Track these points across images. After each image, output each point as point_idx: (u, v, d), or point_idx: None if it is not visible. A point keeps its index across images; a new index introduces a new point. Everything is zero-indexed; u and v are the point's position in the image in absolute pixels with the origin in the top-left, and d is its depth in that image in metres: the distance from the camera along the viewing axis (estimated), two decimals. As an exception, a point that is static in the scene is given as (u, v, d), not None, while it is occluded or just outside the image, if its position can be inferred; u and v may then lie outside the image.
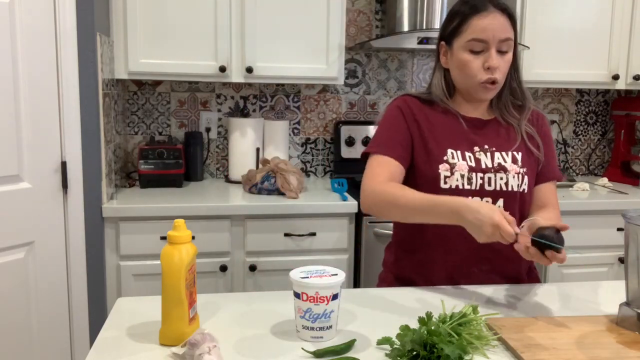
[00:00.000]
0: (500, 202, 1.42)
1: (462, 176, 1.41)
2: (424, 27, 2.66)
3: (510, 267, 1.47)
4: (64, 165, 2.06)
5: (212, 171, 2.95)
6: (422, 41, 2.53)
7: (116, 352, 1.03)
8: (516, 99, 1.51)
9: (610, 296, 1.35)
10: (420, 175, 1.45)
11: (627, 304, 1.15)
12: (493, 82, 1.41)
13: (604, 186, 2.93)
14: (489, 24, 1.38)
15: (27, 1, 1.90)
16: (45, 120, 1.99)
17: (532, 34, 2.73)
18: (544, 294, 1.38)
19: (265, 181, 2.48)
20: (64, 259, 2.10)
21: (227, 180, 2.83)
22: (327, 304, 1.06)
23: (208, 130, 2.89)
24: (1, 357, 1.92)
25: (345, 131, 2.92)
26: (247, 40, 2.51)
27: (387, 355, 1.01)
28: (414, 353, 0.96)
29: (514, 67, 1.48)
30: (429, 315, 1.02)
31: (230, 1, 2.48)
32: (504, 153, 1.45)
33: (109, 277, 2.27)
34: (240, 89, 2.91)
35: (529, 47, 2.69)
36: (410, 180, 1.46)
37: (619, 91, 3.25)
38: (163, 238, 2.24)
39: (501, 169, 1.43)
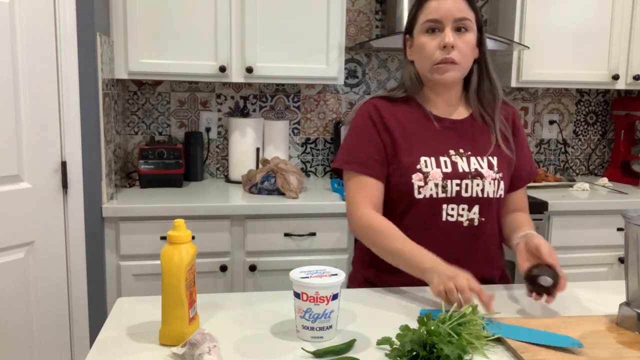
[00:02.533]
0: (476, 208, 1.40)
1: (437, 185, 1.37)
2: (424, 27, 2.66)
3: (486, 272, 1.43)
4: (64, 165, 2.06)
5: (212, 171, 2.95)
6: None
7: (116, 352, 1.03)
8: (486, 91, 1.46)
9: (610, 296, 1.35)
10: (393, 186, 1.41)
11: (627, 304, 1.15)
12: (451, 62, 1.36)
13: (604, 186, 2.93)
14: (443, 3, 1.37)
15: (27, 1, 1.90)
16: (45, 120, 1.99)
17: (532, 34, 2.73)
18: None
19: (265, 181, 2.48)
20: (64, 259, 2.10)
21: (227, 180, 2.83)
22: (327, 304, 1.06)
23: (208, 130, 2.89)
24: (1, 357, 1.92)
25: (345, 131, 2.91)
26: (247, 40, 2.51)
27: (387, 355, 1.01)
28: (414, 353, 0.96)
29: (483, 57, 1.44)
30: (428, 315, 1.02)
31: (230, 1, 2.49)
32: (479, 158, 1.42)
33: (109, 277, 2.27)
34: (240, 89, 2.91)
35: (529, 47, 2.69)
36: (385, 192, 1.43)
37: (619, 91, 3.25)
38: (163, 238, 2.24)
39: (478, 175, 1.40)
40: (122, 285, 2.28)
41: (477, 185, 1.39)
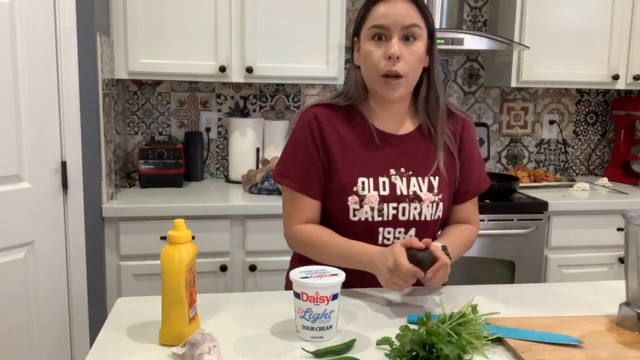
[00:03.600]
0: (412, 231, 1.35)
1: (372, 209, 1.32)
2: (424, 27, 2.66)
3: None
4: (64, 165, 2.06)
5: (212, 171, 2.95)
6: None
7: (116, 352, 1.03)
8: (434, 102, 1.36)
9: (610, 296, 1.35)
10: (330, 204, 1.36)
11: (627, 304, 1.15)
12: (396, 76, 1.27)
13: (604, 186, 2.93)
14: (391, 9, 1.27)
15: (27, 1, 1.90)
16: (45, 120, 1.99)
17: (532, 34, 2.73)
18: (544, 293, 1.38)
19: (265, 181, 2.48)
20: (64, 259, 2.10)
21: (227, 180, 2.83)
22: (327, 304, 1.06)
23: (208, 130, 2.89)
24: (1, 357, 1.92)
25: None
26: (247, 40, 2.51)
27: (386, 355, 1.01)
28: (414, 353, 0.96)
29: (432, 66, 1.34)
30: (428, 315, 1.02)
31: (230, 1, 2.48)
32: (420, 179, 1.35)
33: (109, 277, 2.27)
34: (240, 89, 2.91)
35: (529, 47, 2.69)
36: (322, 209, 1.39)
37: (619, 91, 3.25)
38: (163, 238, 2.24)
39: (416, 198, 1.34)
40: (122, 285, 2.28)
41: (415, 208, 1.34)
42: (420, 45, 1.30)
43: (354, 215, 1.33)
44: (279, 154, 2.75)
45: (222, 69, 2.50)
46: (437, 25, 2.65)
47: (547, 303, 1.31)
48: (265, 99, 2.93)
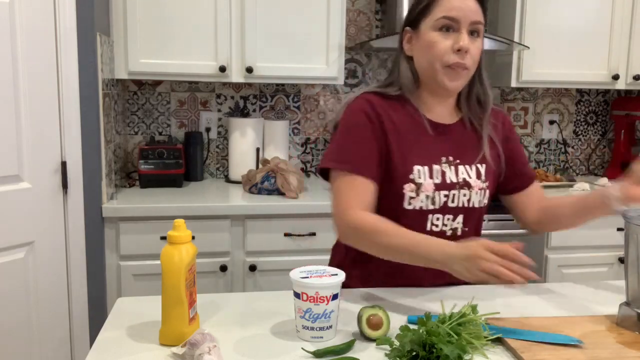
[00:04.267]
0: (460, 218, 1.36)
1: (427, 197, 1.32)
2: (424, 27, 2.66)
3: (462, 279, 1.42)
4: (64, 165, 2.06)
5: (212, 171, 2.95)
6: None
7: (116, 352, 1.03)
8: (478, 96, 1.40)
9: (610, 296, 1.35)
10: (382, 193, 1.33)
11: (627, 304, 1.15)
12: (463, 68, 1.29)
13: (604, 186, 2.92)
14: (462, 2, 1.28)
15: (27, 1, 1.90)
16: (45, 120, 1.99)
17: (532, 34, 2.73)
18: (544, 293, 1.38)
19: (265, 181, 2.48)
20: (64, 259, 2.10)
21: (227, 180, 2.83)
22: (327, 304, 1.06)
23: (208, 130, 2.89)
24: (1, 357, 1.92)
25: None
26: (247, 40, 2.51)
27: (386, 355, 1.01)
28: (414, 353, 0.96)
29: (481, 61, 1.37)
30: (428, 315, 1.02)
31: (230, 1, 2.49)
32: (467, 167, 1.37)
33: (109, 277, 2.27)
34: (240, 89, 2.91)
35: (529, 47, 2.69)
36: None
37: (619, 91, 3.25)
38: (163, 238, 2.24)
39: (465, 185, 1.35)
40: (122, 285, 2.28)
41: (464, 195, 1.35)
42: (481, 42, 1.33)
43: (409, 204, 1.32)
44: (279, 154, 2.77)
45: (222, 69, 2.50)
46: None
47: (547, 303, 1.31)
48: (265, 99, 2.93)
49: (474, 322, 1.04)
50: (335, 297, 1.07)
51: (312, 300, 1.05)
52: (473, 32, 1.30)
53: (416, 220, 1.33)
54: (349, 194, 1.30)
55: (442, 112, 1.40)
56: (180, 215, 2.20)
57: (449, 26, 1.28)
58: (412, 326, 1.03)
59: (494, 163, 1.41)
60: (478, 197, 1.37)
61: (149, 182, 2.58)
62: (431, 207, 1.33)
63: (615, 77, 2.82)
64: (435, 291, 1.36)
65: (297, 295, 1.07)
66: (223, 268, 2.33)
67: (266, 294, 1.36)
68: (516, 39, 2.74)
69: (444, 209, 1.35)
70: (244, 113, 2.91)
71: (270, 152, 2.77)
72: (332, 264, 1.52)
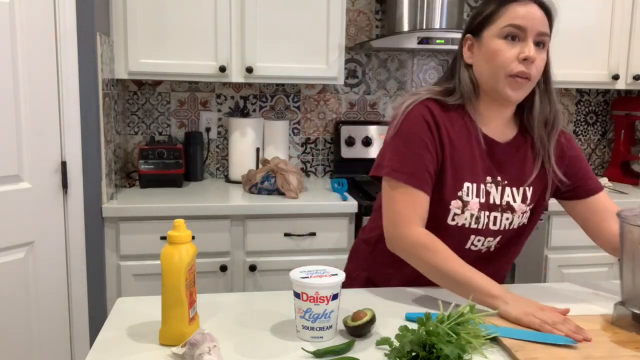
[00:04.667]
0: (499, 238, 1.35)
1: (472, 215, 1.30)
2: (424, 27, 2.66)
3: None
4: (64, 165, 2.06)
5: (212, 171, 2.95)
6: (422, 41, 2.53)
7: (116, 352, 1.03)
8: (545, 115, 1.35)
9: (606, 296, 1.35)
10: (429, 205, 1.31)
11: (622, 303, 1.16)
12: (527, 78, 1.25)
13: (604, 186, 2.93)
14: (529, 12, 1.25)
15: (27, 1, 1.90)
16: (45, 120, 1.99)
17: (532, 34, 2.72)
18: (542, 293, 1.38)
19: (265, 181, 2.48)
20: (64, 259, 2.10)
21: (227, 180, 2.83)
22: (327, 304, 1.06)
23: (208, 130, 2.89)
24: (1, 357, 1.92)
25: (345, 131, 2.92)
26: (247, 40, 2.52)
27: (386, 355, 1.01)
28: (414, 354, 0.96)
29: (548, 78, 1.34)
30: (428, 315, 1.02)
31: (230, 1, 2.49)
32: (514, 189, 1.34)
33: (109, 277, 2.27)
34: (240, 89, 2.91)
35: (529, 47, 2.69)
36: None
37: (619, 91, 3.25)
38: (163, 238, 2.24)
39: (509, 208, 1.33)
40: (122, 285, 2.28)
41: (507, 219, 1.34)
42: (546, 54, 1.30)
43: (453, 220, 1.30)
44: (279, 154, 2.77)
45: (222, 69, 2.50)
46: (437, 26, 2.66)
47: (545, 303, 1.31)
48: (265, 99, 2.93)
49: (473, 322, 1.04)
50: (335, 297, 1.07)
51: (312, 300, 1.05)
52: (539, 43, 1.27)
53: (457, 238, 1.32)
54: (407, 207, 1.27)
55: (498, 126, 1.35)
56: (180, 215, 2.20)
57: (515, 34, 1.25)
58: (410, 325, 1.04)
59: (541, 182, 1.37)
60: (519, 219, 1.36)
61: (149, 182, 2.58)
62: (474, 226, 1.32)
63: (615, 77, 2.82)
64: (435, 291, 1.36)
65: (297, 295, 1.07)
66: (223, 268, 2.33)
67: (266, 294, 1.36)
68: (516, 39, 2.74)
69: (486, 231, 1.33)
70: (244, 113, 2.91)
71: (270, 152, 2.77)
72: (351, 266, 1.54)
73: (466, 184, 1.30)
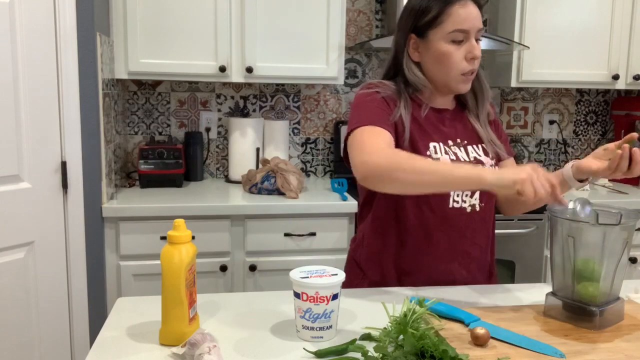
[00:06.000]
0: (477, 194, 1.41)
1: None
2: (424, 27, 2.66)
3: (487, 257, 1.49)
4: (64, 165, 2.06)
5: (212, 171, 2.95)
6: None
7: (116, 352, 1.03)
8: (474, 89, 1.47)
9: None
10: None
11: (553, 293, 1.21)
12: (472, 73, 1.39)
13: (604, 186, 2.93)
14: (470, 13, 1.34)
15: (27, 1, 1.90)
16: (45, 120, 1.99)
17: (532, 34, 2.73)
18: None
19: (265, 181, 2.48)
20: (64, 259, 2.10)
21: (227, 180, 2.83)
22: (327, 304, 1.06)
23: (208, 130, 2.89)
24: (1, 356, 1.92)
25: (345, 131, 2.91)
26: (247, 40, 2.52)
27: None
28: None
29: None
30: (368, 335, 1.06)
31: (230, 1, 2.49)
32: (475, 146, 1.44)
33: (109, 277, 2.27)
34: (240, 89, 2.91)
35: (529, 47, 2.69)
36: None
37: (619, 91, 3.25)
38: (163, 238, 2.24)
39: (478, 162, 1.42)
40: (122, 285, 2.28)
41: None
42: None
43: None
44: (279, 154, 2.77)
45: (222, 69, 2.50)
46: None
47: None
48: (265, 99, 2.93)
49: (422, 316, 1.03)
50: (335, 297, 1.07)
51: (312, 300, 1.05)
52: (478, 38, 1.38)
53: (438, 196, 1.37)
54: (375, 139, 1.29)
55: (443, 101, 1.47)
56: (180, 215, 2.20)
57: (461, 38, 1.35)
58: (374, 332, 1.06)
59: (495, 140, 1.48)
60: None
61: (149, 182, 2.58)
62: None
63: (615, 77, 2.82)
64: (434, 291, 1.36)
65: (297, 295, 1.07)
66: (223, 268, 2.33)
67: (266, 294, 1.36)
68: (516, 39, 2.74)
69: None
70: (244, 113, 2.91)
71: (270, 152, 2.77)
72: (352, 258, 1.55)
73: (432, 144, 1.39)
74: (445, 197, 1.38)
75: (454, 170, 1.22)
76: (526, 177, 1.12)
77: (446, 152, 1.39)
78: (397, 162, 1.21)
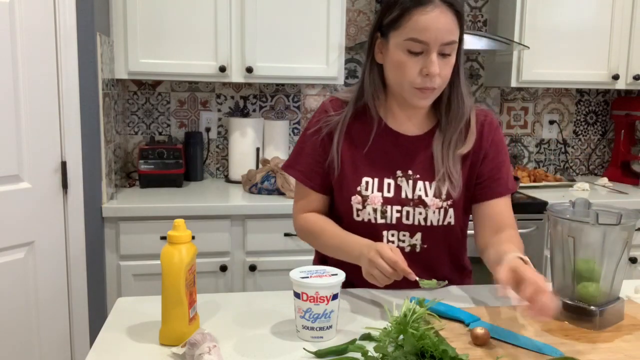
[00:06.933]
0: (418, 235, 1.32)
1: (375, 210, 1.30)
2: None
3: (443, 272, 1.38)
4: (64, 165, 2.06)
5: (212, 171, 2.95)
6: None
7: (116, 352, 1.03)
8: (454, 106, 1.30)
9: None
10: (337, 202, 1.38)
11: (554, 293, 1.18)
12: (432, 90, 1.23)
13: (604, 186, 2.93)
14: (433, 22, 1.17)
15: (27, 1, 1.90)
16: (45, 120, 1.99)
17: (532, 34, 2.73)
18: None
19: (265, 181, 2.48)
20: (64, 259, 2.10)
21: (227, 180, 2.83)
22: (327, 304, 1.06)
23: (208, 130, 2.89)
24: (1, 356, 1.92)
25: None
26: (247, 40, 2.51)
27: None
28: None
29: (456, 72, 1.28)
30: (368, 335, 1.06)
31: (230, 1, 2.48)
32: (427, 183, 1.30)
33: (109, 277, 2.27)
34: (240, 89, 2.91)
35: (529, 47, 2.69)
36: (333, 206, 1.41)
37: (619, 91, 3.25)
38: (163, 238, 2.24)
39: (420, 203, 1.30)
40: (122, 285, 2.28)
41: (420, 213, 1.30)
42: (454, 57, 1.24)
43: (357, 216, 1.33)
44: (279, 154, 2.77)
45: (222, 69, 2.50)
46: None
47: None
48: (265, 99, 2.93)
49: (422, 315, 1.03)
50: (335, 297, 1.07)
51: (312, 300, 1.05)
52: (445, 54, 1.21)
53: (370, 235, 1.30)
54: (299, 201, 1.42)
55: (409, 121, 1.34)
56: (180, 215, 2.19)
57: (416, 50, 1.20)
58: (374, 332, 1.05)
59: (465, 178, 1.32)
60: (437, 216, 1.30)
61: (149, 182, 2.58)
62: (381, 221, 1.31)
63: (615, 77, 2.82)
64: (434, 291, 1.36)
65: (297, 295, 1.07)
66: (223, 268, 2.33)
67: (266, 294, 1.36)
68: (516, 39, 2.74)
69: (399, 226, 1.32)
70: (244, 113, 2.91)
71: (270, 152, 2.77)
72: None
73: (365, 179, 1.33)
74: (377, 234, 1.32)
75: (340, 247, 1.31)
76: (364, 273, 1.19)
77: (380, 189, 1.31)
78: (303, 235, 1.42)
